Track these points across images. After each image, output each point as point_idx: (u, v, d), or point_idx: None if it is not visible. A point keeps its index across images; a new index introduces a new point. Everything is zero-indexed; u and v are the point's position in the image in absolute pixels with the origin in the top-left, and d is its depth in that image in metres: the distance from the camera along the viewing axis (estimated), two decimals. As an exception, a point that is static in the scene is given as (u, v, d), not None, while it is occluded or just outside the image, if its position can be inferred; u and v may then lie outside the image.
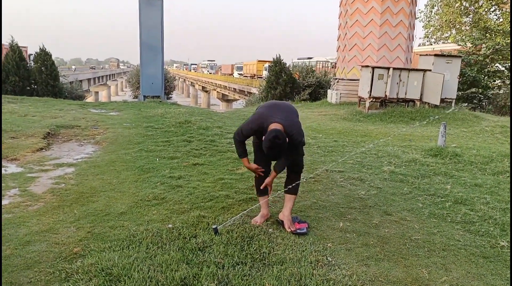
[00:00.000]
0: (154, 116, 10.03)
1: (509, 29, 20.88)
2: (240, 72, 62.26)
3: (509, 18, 24.46)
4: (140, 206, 4.08)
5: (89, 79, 60.80)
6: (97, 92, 65.40)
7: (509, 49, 19.00)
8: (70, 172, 5.24)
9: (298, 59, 43.59)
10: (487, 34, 20.39)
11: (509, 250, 3.53)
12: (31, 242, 3.26)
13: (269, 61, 31.72)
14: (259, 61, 50.98)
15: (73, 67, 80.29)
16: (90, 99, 47.76)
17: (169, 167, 5.54)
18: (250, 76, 52.97)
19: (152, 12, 14.88)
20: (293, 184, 3.72)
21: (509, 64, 17.47)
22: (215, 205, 4.14)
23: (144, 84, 15.51)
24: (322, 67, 40.04)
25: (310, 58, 49.54)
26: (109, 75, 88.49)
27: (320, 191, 4.84)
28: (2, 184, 4.56)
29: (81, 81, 44.37)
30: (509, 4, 22.19)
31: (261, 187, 3.71)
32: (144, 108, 12.09)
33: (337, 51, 18.04)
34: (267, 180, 3.61)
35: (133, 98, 27.76)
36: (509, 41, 19.63)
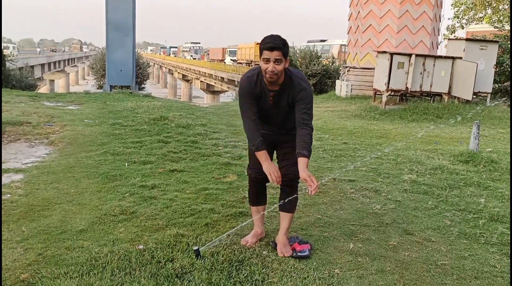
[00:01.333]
0: (122, 111, 9.99)
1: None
2: (234, 58, 61.76)
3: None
4: (104, 222, 4.05)
5: (42, 65, 60.46)
6: (52, 81, 65.13)
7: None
8: (17, 179, 5.20)
9: (308, 42, 43.40)
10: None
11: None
12: (-33, 267, 3.22)
13: None
14: (257, 43, 50.39)
15: (38, 49, 79.65)
16: (43, 89, 47.52)
17: (140, 174, 5.52)
18: (246, 63, 52.83)
19: (121, -17, 14.85)
20: (289, 198, 3.67)
21: (510, 63, 17.70)
22: (197, 221, 4.12)
23: (111, 72, 15.45)
24: (339, 52, 39.61)
25: (323, 40, 49.23)
26: (68, 59, 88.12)
27: (326, 204, 4.84)
28: None
29: (32, 66, 44.16)
30: (509, 4, 22.47)
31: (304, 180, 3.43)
32: (111, 101, 12.04)
33: (348, 33, 18.11)
34: (302, 175, 3.39)
35: (97, 89, 27.64)
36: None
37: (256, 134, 3.49)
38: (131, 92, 14.72)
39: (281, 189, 3.69)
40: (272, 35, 3.34)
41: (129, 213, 4.28)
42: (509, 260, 3.81)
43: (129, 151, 6.55)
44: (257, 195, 3.88)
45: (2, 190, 4.81)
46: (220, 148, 7.15)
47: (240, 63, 55.21)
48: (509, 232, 4.34)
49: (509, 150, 7.89)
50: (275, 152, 3.82)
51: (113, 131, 7.84)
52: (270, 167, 3.47)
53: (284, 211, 3.72)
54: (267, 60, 3.30)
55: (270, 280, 3.21)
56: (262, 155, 3.48)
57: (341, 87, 16.90)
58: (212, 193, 4.93)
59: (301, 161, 3.38)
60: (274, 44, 3.27)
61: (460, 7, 28.88)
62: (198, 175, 5.63)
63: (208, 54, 79.91)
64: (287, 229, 3.74)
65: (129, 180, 5.24)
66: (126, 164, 5.93)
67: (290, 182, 3.62)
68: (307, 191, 3.35)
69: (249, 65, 47.98)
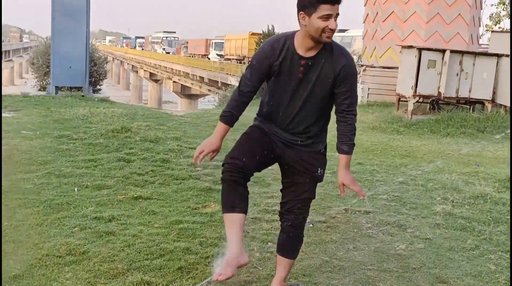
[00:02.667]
0: (72, 120, 9.94)
1: None
2: (221, 52, 61.35)
3: None
4: (46, 266, 4.01)
5: (-32, 59, 60.26)
6: (-20, 80, 64.88)
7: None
8: None
9: None
10: None
11: None
12: None
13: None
14: (252, 34, 49.62)
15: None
16: (-32, 90, 47.19)
17: (94, 202, 5.48)
18: (237, 60, 52.46)
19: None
20: (292, 239, 3.65)
21: (510, 63, 18.04)
22: (168, 265, 4.10)
23: (57, 69, 15.41)
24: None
25: (343, 30, 48.77)
26: (1, 52, 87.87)
27: (335, 243, 4.84)
28: None
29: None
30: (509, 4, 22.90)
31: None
32: (57, 106, 12.00)
33: (363, 22, 18.29)
34: (341, 179, 3.48)
35: (39, 90, 27.53)
36: None
37: (232, 105, 3.45)
38: (83, 95, 14.70)
39: (282, 227, 3.66)
40: None
41: (78, 253, 4.23)
42: (509, 261, 3.82)
43: (80, 173, 6.50)
44: (235, 196, 3.40)
45: None
46: (199, 169, 7.13)
47: (229, 59, 54.77)
48: None
49: None
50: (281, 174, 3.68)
51: (59, 146, 7.78)
52: (208, 141, 3.44)
53: (283, 256, 3.67)
54: (328, 17, 3.15)
55: None
56: (219, 126, 3.45)
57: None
58: (188, 228, 4.90)
59: (342, 160, 3.46)
60: None
61: (507, -10, 29.20)
62: (170, 204, 5.59)
63: (187, 47, 79.49)
64: (285, 278, 3.70)
65: (79, 211, 5.19)
66: (75, 189, 5.88)
67: (294, 224, 3.57)
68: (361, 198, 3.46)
69: (240, 62, 47.78)
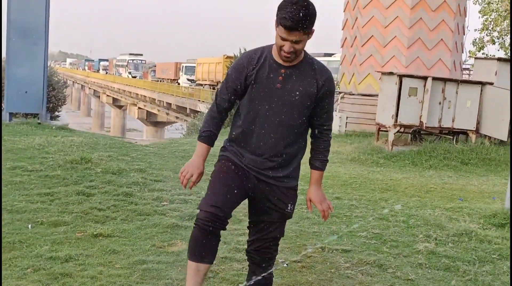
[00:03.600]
0: (27, 150, 9.85)
1: None
2: (192, 77, 60.84)
3: None
4: (-5, 311, 3.94)
5: None
6: None
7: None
8: None
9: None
10: None
11: None
12: None
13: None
14: (227, 57, 48.74)
15: None
16: None
17: (50, 240, 5.40)
18: (210, 85, 52.15)
19: (31, -28, 14.89)
20: (259, 281, 3.67)
21: (510, 63, 18.49)
22: (130, 310, 4.05)
23: (12, 93, 15.29)
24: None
25: (330, 54, 48.40)
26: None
27: (311, 285, 4.81)
28: None
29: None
30: (509, 4, 23.56)
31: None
32: (10, 134, 11.88)
33: (341, 46, 18.49)
34: (312, 197, 3.65)
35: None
36: None
37: (210, 123, 3.53)
38: (39, 123, 14.57)
39: (249, 267, 3.69)
40: (294, 4, 3.21)
41: (32, 297, 4.18)
42: (509, 261, 3.85)
43: (35, 208, 6.42)
44: (206, 247, 3.44)
45: None
46: (165, 203, 7.10)
47: (201, 84, 54.57)
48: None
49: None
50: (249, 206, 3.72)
51: (12, 179, 7.69)
52: (192, 164, 3.47)
53: None
54: (284, 39, 3.25)
55: None
56: (199, 148, 3.52)
57: (334, 120, 17.10)
58: (152, 268, 4.86)
59: (315, 176, 3.59)
60: (295, 23, 3.19)
61: (490, 15, 29.84)
62: (133, 242, 5.54)
63: (154, 71, 79.32)
64: None
65: (33, 250, 5.12)
66: (29, 226, 5.80)
67: (262, 264, 3.60)
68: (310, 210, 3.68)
69: (213, 88, 47.71)
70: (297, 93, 3.40)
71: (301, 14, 3.16)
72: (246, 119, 3.49)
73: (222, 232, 3.44)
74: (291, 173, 3.60)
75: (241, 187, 3.48)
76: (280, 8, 3.23)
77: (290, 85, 3.40)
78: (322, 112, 3.51)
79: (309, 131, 3.70)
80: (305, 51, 3.43)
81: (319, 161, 3.58)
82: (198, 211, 3.48)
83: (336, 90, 18.41)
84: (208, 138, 3.49)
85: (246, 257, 3.71)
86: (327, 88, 3.46)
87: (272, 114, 3.42)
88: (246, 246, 5.44)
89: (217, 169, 3.56)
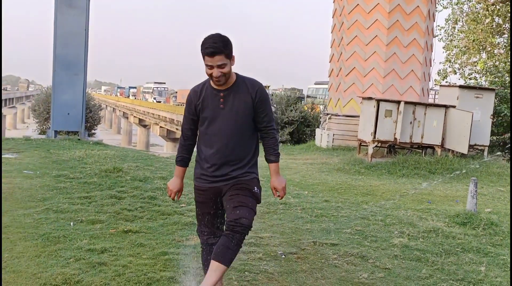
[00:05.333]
0: (69, 161, 9.87)
1: None
2: None
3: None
4: (43, 294, 3.93)
5: (-26, 105, 59.59)
6: (-15, 124, 64.16)
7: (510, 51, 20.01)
8: None
9: (315, 83, 42.53)
10: (528, 60, 21.44)
11: None
12: None
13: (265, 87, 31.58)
14: None
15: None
16: (-26, 133, 46.65)
17: (88, 235, 5.41)
18: None
19: (74, 16, 14.99)
20: (227, 245, 3.49)
21: (510, 68, 18.43)
22: (155, 293, 4.04)
23: (57, 115, 15.35)
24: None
25: (326, 83, 48.22)
26: (5, 100, 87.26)
27: (305, 272, 4.81)
28: None
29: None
30: (509, 5, 23.48)
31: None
32: (55, 148, 11.90)
33: (329, 76, 18.54)
34: (274, 183, 3.72)
35: (39, 134, 27.30)
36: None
37: (182, 150, 3.82)
38: (79, 139, 14.61)
39: (225, 234, 3.53)
40: (211, 37, 3.48)
41: (73, 282, 4.16)
42: (509, 261, 3.83)
43: (76, 208, 6.43)
44: (206, 260, 3.76)
45: None
46: (183, 205, 7.09)
47: None
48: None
49: (509, 211, 8.06)
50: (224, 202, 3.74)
51: (57, 185, 7.70)
52: (172, 183, 3.84)
53: (216, 260, 3.45)
54: (211, 67, 3.46)
55: None
56: (176, 170, 3.85)
57: (322, 137, 17.13)
58: (173, 259, 4.85)
59: (272, 168, 3.69)
60: (214, 48, 3.41)
61: (452, 50, 29.91)
62: (157, 237, 5.55)
63: (175, 96, 79.16)
64: (213, 284, 3.41)
65: (74, 243, 5.12)
66: (71, 223, 5.80)
67: (241, 229, 3.50)
68: (276, 196, 3.74)
69: None
70: (238, 106, 3.60)
71: (217, 43, 3.42)
72: (204, 139, 3.71)
73: None
74: (249, 169, 3.71)
75: (213, 206, 3.74)
76: (201, 44, 3.47)
77: (230, 102, 3.60)
78: (262, 116, 3.67)
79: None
80: (236, 74, 3.65)
81: (273, 155, 3.71)
82: None
83: (324, 112, 18.46)
84: (181, 162, 3.82)
85: (225, 230, 3.59)
86: (260, 96, 3.64)
87: (223, 129, 3.62)
88: (250, 241, 5.47)
89: (198, 204, 3.84)
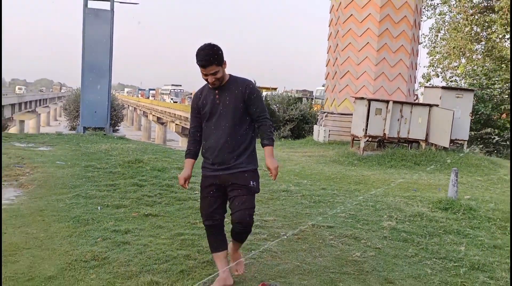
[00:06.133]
0: (96, 153, 9.90)
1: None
2: None
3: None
4: (74, 269, 3.96)
5: (12, 105, 59.72)
6: (22, 121, 64.38)
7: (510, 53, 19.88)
8: (-17, 222, 5.06)
9: (323, 85, 41.98)
10: (502, 65, 21.37)
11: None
12: None
13: (271, 89, 31.21)
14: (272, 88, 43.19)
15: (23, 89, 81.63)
16: (13, 129, 46.92)
17: (113, 218, 5.43)
18: None
19: (99, 25, 15.02)
20: (240, 234, 3.85)
21: (510, 67, 18.29)
22: (172, 268, 4.06)
23: (85, 113, 15.41)
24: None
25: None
26: (40, 100, 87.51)
27: (305, 251, 4.82)
28: None
29: (2, 106, 43.63)
30: (509, 5, 23.32)
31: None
32: (84, 142, 11.94)
33: (325, 78, 18.50)
34: (268, 164, 3.71)
35: (70, 130, 27.42)
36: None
37: (190, 144, 3.92)
38: (105, 134, 14.62)
39: (234, 229, 3.79)
40: (202, 49, 3.56)
41: (101, 259, 4.19)
42: (509, 261, 3.82)
43: (102, 194, 6.45)
44: (216, 241, 3.88)
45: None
46: (196, 192, 7.06)
47: None
48: (491, 281, 4.37)
49: (487, 198, 8.04)
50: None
51: (86, 174, 7.73)
52: (183, 174, 3.87)
53: (236, 240, 3.94)
54: (205, 75, 3.61)
55: (248, 330, 3.15)
56: (186, 162, 3.93)
57: (319, 133, 17.10)
58: (188, 239, 4.87)
59: (266, 151, 3.73)
60: (206, 61, 3.55)
61: (435, 55, 29.86)
62: (173, 220, 5.56)
63: (190, 97, 78.97)
64: (237, 249, 4.04)
65: (101, 225, 5.15)
66: (98, 207, 5.83)
67: (244, 229, 3.75)
68: (270, 175, 3.74)
69: None
70: (231, 101, 3.72)
71: (208, 55, 3.53)
72: (205, 132, 3.83)
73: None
74: (246, 159, 3.76)
75: (213, 194, 3.80)
76: (196, 55, 3.58)
77: (223, 98, 3.72)
78: (254, 107, 3.76)
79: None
80: (230, 74, 3.79)
81: (266, 139, 3.77)
82: None
83: (321, 110, 18.40)
84: (189, 154, 3.92)
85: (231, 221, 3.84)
86: (249, 91, 3.74)
87: (221, 121, 3.74)
88: (256, 224, 5.47)
89: (201, 190, 3.91)
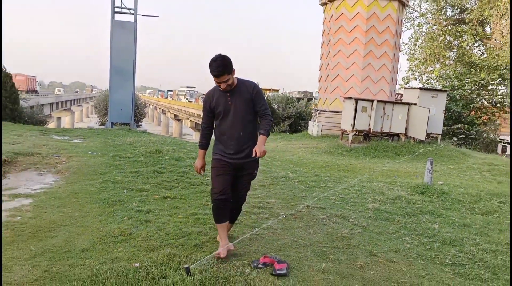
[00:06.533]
0: (122, 145, 9.91)
1: (495, 65, 21.86)
2: None
3: (493, 54, 25.65)
4: (104, 243, 3.98)
5: (51, 104, 59.92)
6: (59, 118, 64.44)
7: (510, 54, 19.74)
8: (27, 203, 5.08)
9: None
10: (471, 69, 21.27)
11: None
12: (-22, 282, 3.11)
13: (273, 90, 30.96)
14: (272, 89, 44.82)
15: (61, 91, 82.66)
16: (51, 125, 46.90)
17: (137, 200, 5.44)
18: None
19: (125, 34, 14.97)
20: (236, 213, 4.12)
21: (510, 67, 18.18)
22: (187, 242, 4.07)
23: (113, 110, 15.40)
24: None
25: None
26: (74, 100, 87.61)
27: (300, 228, 4.82)
28: None
29: (42, 105, 43.81)
30: (509, 5, 23.11)
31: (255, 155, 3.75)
32: (112, 135, 11.95)
33: (319, 81, 18.44)
34: (257, 148, 3.71)
35: (100, 125, 27.42)
36: (494, 76, 20.52)
37: (203, 138, 4.02)
38: (129, 129, 14.63)
39: (231, 207, 3.98)
40: (215, 60, 3.58)
41: (126, 234, 4.20)
42: (509, 260, 3.82)
43: (128, 180, 6.46)
44: (222, 214, 3.89)
45: (13, 213, 4.69)
46: (208, 178, 7.10)
47: None
48: (461, 254, 4.38)
49: (458, 183, 8.03)
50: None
51: (114, 162, 7.74)
52: (197, 162, 4.00)
53: (230, 222, 4.13)
54: (218, 82, 3.67)
55: (252, 295, 3.16)
56: (199, 152, 4.02)
57: (313, 127, 17.08)
58: (201, 218, 4.88)
59: (260, 138, 3.77)
60: (218, 72, 3.58)
61: (414, 61, 29.74)
62: (188, 202, 5.57)
63: (203, 97, 78.66)
64: (228, 230, 4.17)
65: (127, 205, 5.16)
66: (124, 191, 5.84)
67: (239, 205, 4.07)
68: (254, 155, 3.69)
69: None
70: (241, 102, 3.80)
71: (219, 66, 3.57)
72: (219, 128, 3.91)
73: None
74: (251, 152, 3.78)
75: (227, 173, 3.85)
76: (209, 65, 3.61)
77: (234, 99, 3.77)
78: (259, 106, 3.82)
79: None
80: (237, 78, 3.82)
81: (263, 130, 3.83)
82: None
83: (315, 108, 18.35)
84: (202, 146, 4.02)
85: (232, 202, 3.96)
86: (256, 92, 3.81)
87: (233, 119, 3.81)
88: (259, 205, 5.48)
89: (212, 167, 3.91)
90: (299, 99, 25.67)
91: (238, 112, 3.79)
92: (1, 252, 3.15)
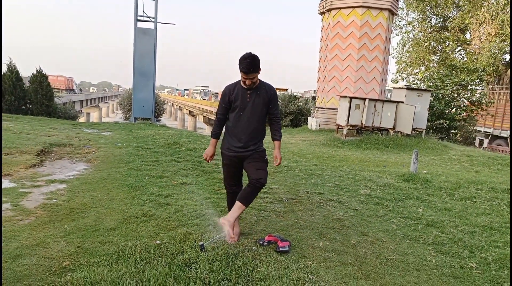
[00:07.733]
0: (144, 137, 9.94)
1: (469, 66, 21.64)
2: None
3: (472, 58, 25.39)
4: (129, 223, 4.00)
5: (81, 101, 60.24)
6: (88, 113, 64.64)
7: (510, 52, 19.53)
8: (61, 188, 5.12)
9: None
10: (453, 71, 21.12)
11: (477, 271, 3.56)
12: (21, 256, 3.15)
13: (282, 89, 30.92)
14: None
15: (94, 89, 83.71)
16: (82, 119, 47.11)
17: (158, 185, 5.47)
18: None
19: (146, 40, 14.94)
20: (253, 192, 3.56)
21: (509, 67, 18.05)
22: (202, 223, 4.08)
23: (136, 107, 15.42)
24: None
25: None
26: (101, 97, 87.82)
27: (301, 211, 4.83)
28: (-6, 199, 4.42)
29: (74, 102, 43.96)
30: (509, 6, 22.84)
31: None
32: (135, 129, 11.99)
33: (317, 82, 18.35)
34: (275, 153, 3.68)
35: (124, 120, 27.50)
36: (473, 78, 20.34)
37: (216, 127, 3.76)
38: (150, 123, 14.67)
39: (250, 185, 3.56)
40: (246, 57, 3.40)
41: (148, 215, 4.23)
42: (509, 257, 3.81)
43: (149, 168, 6.49)
44: (232, 202, 3.77)
45: (49, 196, 4.74)
46: (219, 166, 7.11)
47: None
48: (442, 235, 4.37)
49: (440, 172, 7.99)
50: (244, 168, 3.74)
51: (137, 152, 7.77)
52: (208, 151, 3.77)
53: (240, 201, 3.57)
54: (245, 78, 3.48)
55: (258, 269, 3.18)
56: (211, 141, 3.77)
57: (312, 123, 17.03)
58: (213, 202, 4.90)
59: (276, 144, 3.73)
60: (248, 69, 3.40)
61: (401, 64, 29.55)
62: (202, 187, 5.59)
63: (217, 95, 78.35)
64: (236, 217, 3.58)
65: (149, 190, 5.19)
66: (146, 177, 5.87)
67: (260, 185, 3.56)
68: (274, 162, 3.71)
69: None
70: (259, 102, 3.62)
71: (250, 64, 3.39)
72: (234, 121, 3.66)
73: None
74: (260, 144, 3.74)
75: (235, 167, 3.74)
76: (239, 62, 3.42)
77: (253, 98, 3.59)
78: (273, 109, 3.70)
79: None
80: (259, 79, 3.62)
81: (277, 136, 3.76)
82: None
83: (313, 106, 18.28)
84: (215, 135, 3.76)
85: (249, 182, 3.61)
86: (273, 96, 3.66)
87: (248, 116, 3.62)
88: (265, 190, 5.47)
89: (223, 164, 3.81)
90: (299, 98, 25.60)
91: (254, 110, 3.60)
92: (1, 251, 3.08)
